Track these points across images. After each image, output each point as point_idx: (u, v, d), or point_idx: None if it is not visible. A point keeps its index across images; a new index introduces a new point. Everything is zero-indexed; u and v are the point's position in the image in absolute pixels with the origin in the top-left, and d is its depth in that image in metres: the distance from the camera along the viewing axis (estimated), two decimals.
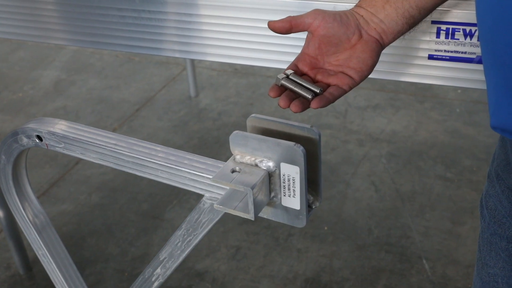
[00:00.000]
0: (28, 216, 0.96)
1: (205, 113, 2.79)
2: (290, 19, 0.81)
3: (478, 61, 1.04)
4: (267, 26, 1.17)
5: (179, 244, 0.83)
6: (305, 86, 0.79)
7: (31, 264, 1.92)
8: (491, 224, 0.80)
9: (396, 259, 1.87)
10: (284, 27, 0.82)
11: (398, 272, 1.82)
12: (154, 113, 2.82)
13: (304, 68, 0.82)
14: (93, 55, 3.46)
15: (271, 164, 0.69)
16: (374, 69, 0.95)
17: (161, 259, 0.86)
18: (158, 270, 0.88)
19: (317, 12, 0.80)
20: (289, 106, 0.78)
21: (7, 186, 0.93)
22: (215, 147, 2.51)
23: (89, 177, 2.34)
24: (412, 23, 0.83)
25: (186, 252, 0.83)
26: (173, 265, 0.85)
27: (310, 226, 2.02)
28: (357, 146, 2.45)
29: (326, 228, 2.02)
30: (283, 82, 0.80)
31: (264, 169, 0.69)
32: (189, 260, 1.90)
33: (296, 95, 0.79)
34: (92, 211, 2.17)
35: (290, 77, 0.81)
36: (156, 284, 0.89)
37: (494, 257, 0.80)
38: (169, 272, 0.87)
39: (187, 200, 2.18)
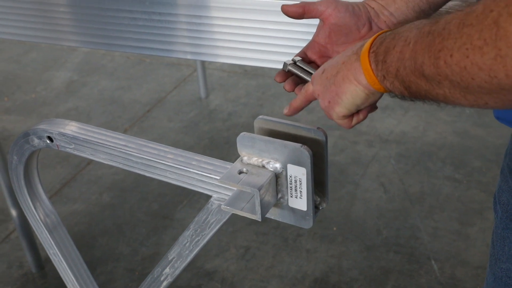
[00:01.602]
0: (40, 216, 0.98)
1: (215, 114, 2.80)
2: (303, 4, 0.83)
3: None
4: (276, 28, 1.18)
5: (188, 244, 0.84)
6: (311, 73, 0.80)
7: (43, 263, 1.94)
8: (503, 218, 0.80)
9: (405, 260, 1.87)
10: (297, 12, 0.83)
11: (406, 272, 1.83)
12: (165, 114, 2.84)
13: (313, 56, 0.84)
14: (105, 56, 3.48)
15: (278, 165, 0.70)
16: None
17: (169, 259, 0.87)
18: (167, 269, 0.89)
19: (330, 0, 0.82)
20: (293, 90, 0.81)
21: (19, 186, 0.94)
22: (225, 148, 2.53)
23: (100, 177, 2.37)
24: (422, 17, 0.83)
25: (195, 252, 0.84)
26: (181, 265, 0.87)
27: (319, 227, 2.03)
28: (366, 147, 2.45)
29: (335, 228, 2.02)
30: (290, 67, 0.82)
31: (271, 171, 0.69)
32: (198, 260, 1.91)
33: (302, 81, 0.81)
34: (103, 211, 2.19)
35: (298, 63, 0.82)
36: (165, 283, 0.91)
37: (507, 252, 0.80)
38: (177, 272, 0.88)
39: (197, 200, 2.19)
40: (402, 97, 0.61)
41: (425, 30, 0.53)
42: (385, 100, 2.78)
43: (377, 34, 0.63)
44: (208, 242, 0.83)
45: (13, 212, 1.82)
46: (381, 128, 2.57)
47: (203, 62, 2.86)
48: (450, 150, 2.39)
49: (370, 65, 0.62)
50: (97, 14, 1.33)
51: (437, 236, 1.95)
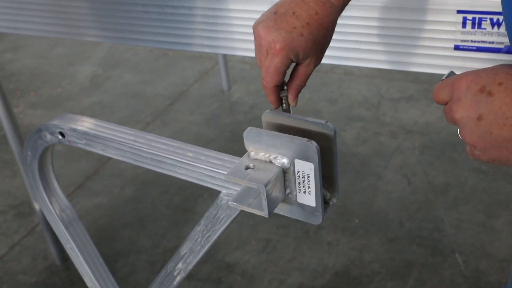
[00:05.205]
0: (55, 211, 0.99)
1: (237, 106, 2.80)
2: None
3: (507, 51, 1.01)
4: None
5: (199, 239, 0.83)
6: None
7: (67, 256, 1.97)
8: None
9: (428, 253, 1.84)
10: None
11: (429, 265, 1.80)
12: (187, 107, 2.84)
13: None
14: (128, 50, 3.51)
15: (285, 160, 0.68)
16: (401, 60, 0.92)
17: (182, 254, 0.87)
18: (180, 265, 0.89)
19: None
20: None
21: (34, 181, 0.95)
22: None
23: (123, 171, 2.39)
24: None
25: (206, 248, 0.84)
26: (193, 260, 0.86)
27: (340, 219, 2.01)
28: (389, 138, 2.41)
29: (356, 221, 2.00)
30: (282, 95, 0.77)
31: (278, 166, 0.68)
32: (219, 253, 1.91)
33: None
34: (125, 204, 2.21)
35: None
36: (178, 278, 0.91)
37: None
38: (190, 267, 0.88)
39: (218, 193, 2.19)
40: None
41: None
42: (409, 90, 2.74)
43: None
44: (219, 237, 0.83)
45: (37, 206, 1.85)
46: (405, 119, 2.53)
47: (225, 55, 2.86)
48: None
49: None
50: (114, 8, 1.33)
51: (462, 229, 1.92)
